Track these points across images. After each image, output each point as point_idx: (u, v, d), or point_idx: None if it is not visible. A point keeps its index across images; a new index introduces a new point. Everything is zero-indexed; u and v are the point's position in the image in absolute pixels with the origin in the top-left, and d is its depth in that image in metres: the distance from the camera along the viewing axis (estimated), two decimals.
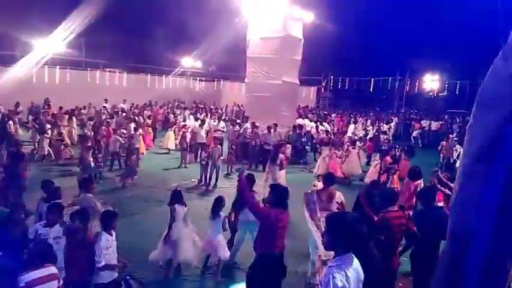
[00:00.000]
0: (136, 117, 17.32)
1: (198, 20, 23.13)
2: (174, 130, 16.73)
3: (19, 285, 3.29)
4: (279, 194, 4.70)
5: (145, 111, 21.10)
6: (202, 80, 33.35)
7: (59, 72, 22.91)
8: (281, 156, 10.30)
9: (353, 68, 35.39)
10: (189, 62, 33.10)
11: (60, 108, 17.78)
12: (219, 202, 6.24)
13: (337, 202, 6.30)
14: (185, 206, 6.15)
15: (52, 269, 3.54)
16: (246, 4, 16.49)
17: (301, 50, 17.01)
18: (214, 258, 6.18)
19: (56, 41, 22.42)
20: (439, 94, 41.38)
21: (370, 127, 21.45)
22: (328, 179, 6.60)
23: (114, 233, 4.70)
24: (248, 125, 16.12)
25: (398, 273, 4.87)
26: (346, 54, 34.59)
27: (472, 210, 2.59)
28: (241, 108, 25.55)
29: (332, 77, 35.79)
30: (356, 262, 2.72)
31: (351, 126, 20.79)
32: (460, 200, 2.81)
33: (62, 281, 3.60)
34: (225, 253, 6.14)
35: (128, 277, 3.24)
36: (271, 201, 4.75)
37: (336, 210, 6.04)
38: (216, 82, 33.49)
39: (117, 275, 4.58)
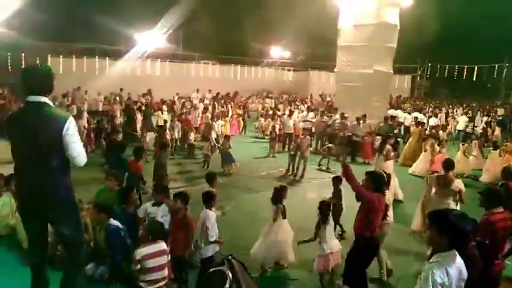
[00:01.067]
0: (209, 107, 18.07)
1: (287, 9, 23.15)
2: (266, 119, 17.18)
3: (135, 258, 3.74)
4: (376, 180, 4.91)
5: (235, 101, 21.92)
6: (290, 70, 33.41)
7: (160, 65, 24.73)
8: (387, 147, 10.08)
9: (454, 54, 32.64)
10: (277, 52, 33.37)
11: (162, 100, 19.30)
12: (327, 207, 5.49)
13: (455, 189, 6.29)
14: (281, 204, 5.80)
15: (163, 245, 3.95)
16: None
17: (397, 37, 16.17)
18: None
19: (156, 35, 24.24)
20: None
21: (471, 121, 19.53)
22: (448, 164, 6.64)
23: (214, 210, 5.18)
24: (337, 115, 15.92)
25: (502, 277, 4.54)
26: (446, 39, 31.94)
27: None
28: (324, 98, 25.22)
29: (430, 64, 33.39)
30: (459, 260, 2.64)
31: (462, 119, 18.94)
32: None
33: (169, 257, 4.01)
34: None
35: (230, 256, 3.53)
36: (371, 186, 4.87)
37: (451, 198, 6.19)
38: (305, 72, 33.36)
39: (218, 248, 4.99)
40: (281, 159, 13.22)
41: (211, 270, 3.26)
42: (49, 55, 20.60)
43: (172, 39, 25.66)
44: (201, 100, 21.04)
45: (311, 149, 13.34)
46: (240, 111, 19.09)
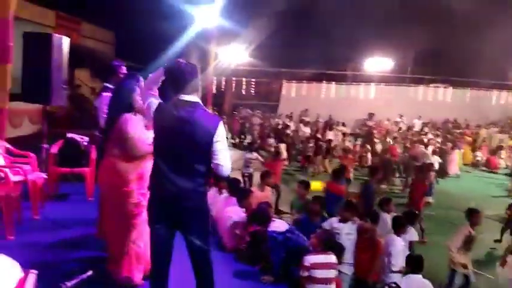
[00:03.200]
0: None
1: None
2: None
3: (304, 264, 3.73)
4: None
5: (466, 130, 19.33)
6: None
7: (383, 90, 24.24)
8: None
9: None
10: None
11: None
12: None
13: None
14: None
15: (333, 258, 3.81)
16: None
17: None
18: None
19: (382, 59, 24.01)
20: None
21: None
22: None
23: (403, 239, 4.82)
24: None
25: None
26: None
27: None
28: None
29: None
30: None
31: None
32: None
33: (338, 273, 3.83)
34: None
35: (394, 285, 3.13)
36: None
37: None
38: None
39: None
40: None
41: None
42: (284, 80, 23.28)
43: (399, 63, 24.85)
44: (409, 127, 19.55)
45: None
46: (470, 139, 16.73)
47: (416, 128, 19.43)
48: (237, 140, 17.99)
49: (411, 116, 21.55)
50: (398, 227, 4.94)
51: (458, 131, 18.88)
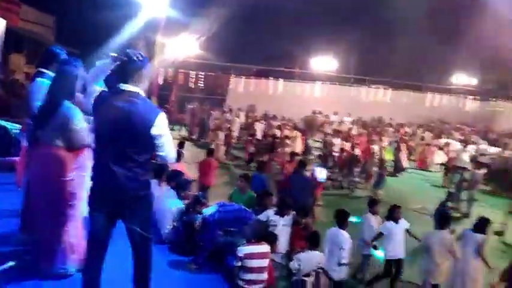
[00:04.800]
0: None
1: (475, 28, 20.59)
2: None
3: (238, 254, 3.83)
4: None
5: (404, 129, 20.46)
6: (476, 99, 29.27)
7: (328, 88, 25.08)
8: None
9: None
10: (463, 78, 30.02)
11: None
12: None
13: None
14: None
15: (266, 247, 3.95)
16: None
17: None
18: None
19: (328, 58, 24.78)
20: None
21: None
22: None
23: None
24: None
25: None
26: None
27: None
28: None
29: None
30: None
31: None
32: None
33: (271, 261, 3.99)
34: None
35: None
36: None
37: None
38: (493, 102, 28.78)
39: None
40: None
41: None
42: (232, 75, 23.31)
43: (344, 63, 25.84)
44: (339, 123, 20.41)
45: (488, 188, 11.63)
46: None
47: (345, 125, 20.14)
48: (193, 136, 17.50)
49: (352, 114, 22.45)
50: (344, 221, 4.94)
51: (387, 128, 19.86)
